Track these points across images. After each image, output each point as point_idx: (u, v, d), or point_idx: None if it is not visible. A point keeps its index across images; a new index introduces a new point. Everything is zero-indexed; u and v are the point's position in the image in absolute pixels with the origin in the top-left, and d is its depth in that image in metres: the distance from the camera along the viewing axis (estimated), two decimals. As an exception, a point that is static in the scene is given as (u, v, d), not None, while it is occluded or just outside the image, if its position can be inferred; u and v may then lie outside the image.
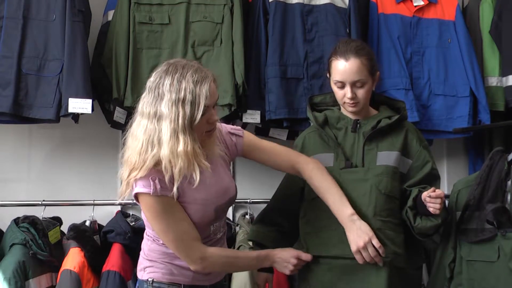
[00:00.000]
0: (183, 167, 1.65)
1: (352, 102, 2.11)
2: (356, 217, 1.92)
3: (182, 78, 1.64)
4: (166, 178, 1.67)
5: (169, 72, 1.67)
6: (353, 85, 2.10)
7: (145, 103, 1.69)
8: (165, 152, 1.64)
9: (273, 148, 2.01)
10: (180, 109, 1.62)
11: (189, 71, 1.65)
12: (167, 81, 1.65)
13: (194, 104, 1.63)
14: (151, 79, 1.71)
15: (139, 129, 1.69)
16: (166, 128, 1.64)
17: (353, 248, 1.91)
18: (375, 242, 1.87)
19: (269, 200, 2.33)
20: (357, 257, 1.91)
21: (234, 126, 2.00)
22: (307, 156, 2.10)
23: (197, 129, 1.68)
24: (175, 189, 1.68)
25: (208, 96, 1.64)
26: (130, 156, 1.70)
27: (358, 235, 1.87)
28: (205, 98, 1.63)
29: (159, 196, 1.68)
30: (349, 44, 2.14)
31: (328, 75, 2.19)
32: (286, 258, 1.93)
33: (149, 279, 1.85)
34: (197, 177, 1.68)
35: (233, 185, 1.93)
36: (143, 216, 1.86)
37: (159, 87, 1.66)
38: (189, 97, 1.62)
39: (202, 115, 1.65)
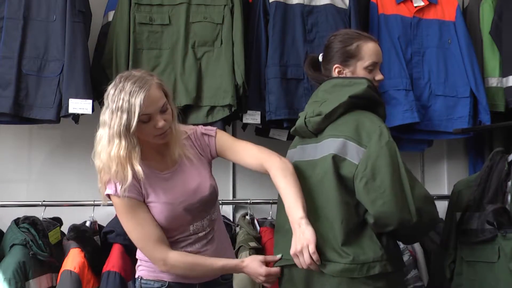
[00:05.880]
0: (117, 170, 1.76)
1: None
2: (304, 221, 1.76)
3: (122, 89, 1.75)
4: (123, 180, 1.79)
5: (115, 84, 1.78)
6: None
7: (101, 113, 1.83)
8: (103, 156, 1.78)
9: (245, 147, 1.96)
10: (117, 117, 1.74)
11: (129, 82, 1.75)
12: (111, 92, 1.77)
13: (130, 112, 1.72)
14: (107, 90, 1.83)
15: (97, 136, 1.83)
16: (105, 134, 1.77)
17: (291, 251, 1.78)
18: (311, 248, 1.74)
19: (269, 201, 2.29)
20: (296, 261, 1.80)
21: (208, 127, 2.02)
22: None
23: (143, 134, 1.79)
24: (126, 192, 1.78)
25: (142, 106, 1.72)
26: (96, 162, 1.84)
27: (299, 239, 1.76)
28: (139, 107, 1.72)
29: (121, 197, 1.80)
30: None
31: (348, 62, 1.99)
32: (254, 271, 1.89)
33: (139, 277, 1.96)
34: (128, 180, 1.77)
35: (207, 185, 1.93)
36: None
37: (107, 97, 1.79)
38: (125, 106, 1.73)
39: (144, 122, 1.76)
